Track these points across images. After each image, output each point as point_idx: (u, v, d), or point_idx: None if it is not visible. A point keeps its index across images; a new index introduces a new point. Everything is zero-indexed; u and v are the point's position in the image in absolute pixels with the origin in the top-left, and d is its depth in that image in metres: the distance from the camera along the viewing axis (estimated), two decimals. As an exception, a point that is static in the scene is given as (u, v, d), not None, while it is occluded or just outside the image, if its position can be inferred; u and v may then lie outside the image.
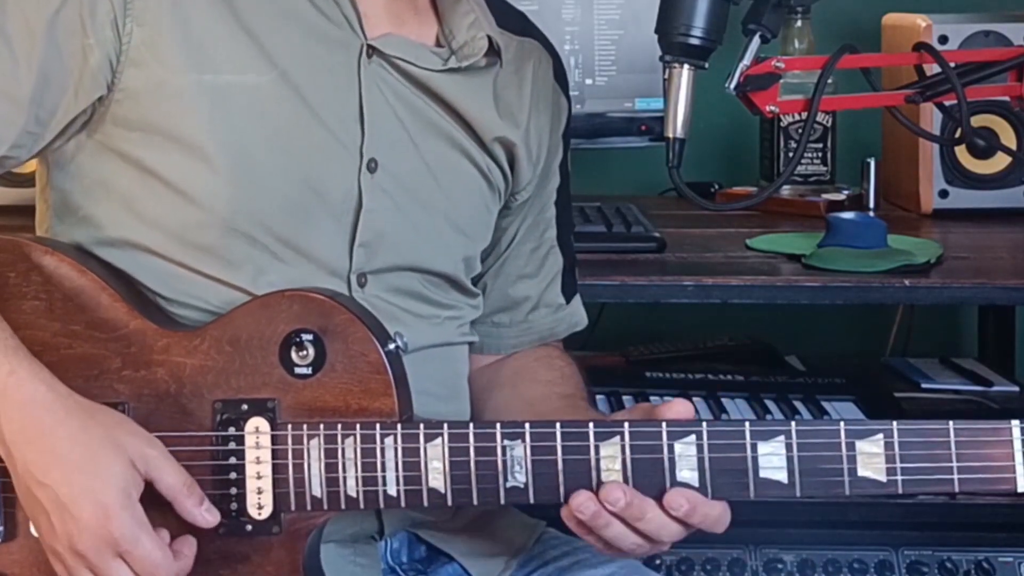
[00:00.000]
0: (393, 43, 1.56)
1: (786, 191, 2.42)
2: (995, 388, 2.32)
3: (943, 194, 2.35)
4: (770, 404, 2.17)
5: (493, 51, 1.62)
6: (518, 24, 1.71)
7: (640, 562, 1.68)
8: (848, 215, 2.17)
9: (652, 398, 2.20)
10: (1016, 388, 2.33)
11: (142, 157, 1.49)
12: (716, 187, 2.52)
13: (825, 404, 2.16)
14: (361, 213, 1.53)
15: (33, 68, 1.45)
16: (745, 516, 2.08)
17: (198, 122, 1.47)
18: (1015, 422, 1.39)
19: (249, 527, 1.43)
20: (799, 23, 2.39)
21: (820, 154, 2.43)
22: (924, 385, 2.33)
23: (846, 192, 2.43)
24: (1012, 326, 2.55)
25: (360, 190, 1.53)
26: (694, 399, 2.19)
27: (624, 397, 2.20)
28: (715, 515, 1.41)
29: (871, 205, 2.41)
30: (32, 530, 1.44)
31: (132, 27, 1.47)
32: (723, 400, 2.19)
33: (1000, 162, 2.33)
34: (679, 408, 1.42)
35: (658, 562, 2.11)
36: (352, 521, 1.53)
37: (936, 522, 2.11)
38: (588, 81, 2.39)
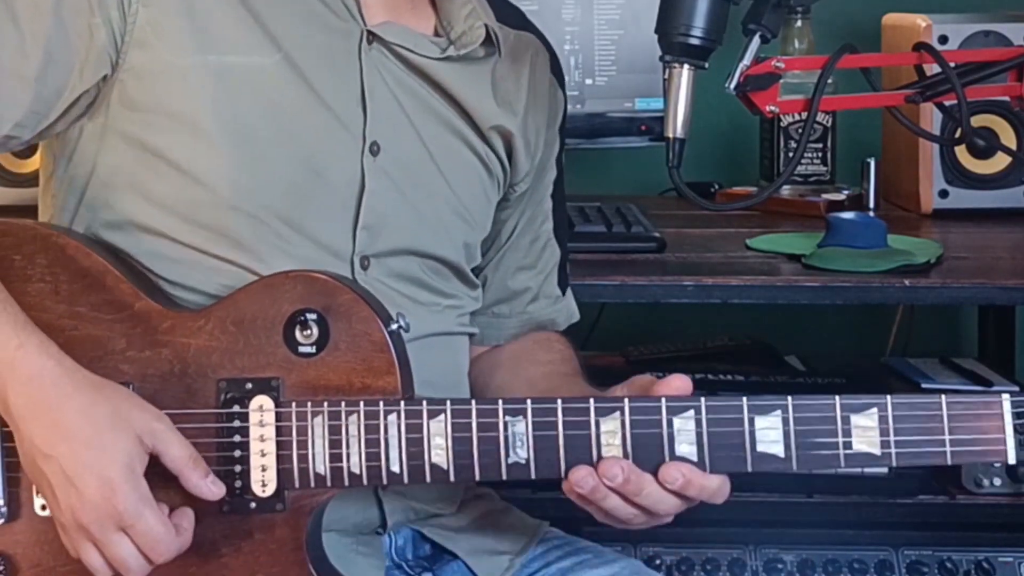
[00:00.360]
0: (392, 30, 1.57)
1: (786, 191, 2.42)
2: (995, 388, 2.32)
3: (943, 194, 2.35)
4: (770, 404, 2.16)
5: (491, 41, 1.63)
6: (515, 19, 1.72)
7: (640, 562, 1.68)
8: (848, 215, 2.18)
9: (652, 397, 2.20)
10: (1016, 388, 2.33)
11: (146, 138, 1.50)
12: (716, 187, 2.52)
13: (825, 404, 2.16)
14: (364, 195, 1.54)
15: (39, 46, 1.46)
16: (745, 516, 2.10)
17: (201, 102, 1.49)
18: (1005, 395, 1.41)
19: (253, 504, 1.44)
20: (799, 23, 2.39)
21: (820, 154, 2.43)
22: (924, 385, 2.33)
23: (846, 192, 2.43)
24: (1012, 326, 2.56)
25: (363, 172, 1.54)
26: (694, 399, 2.19)
27: (624, 397, 2.20)
28: (713, 487, 1.42)
29: (871, 205, 2.41)
30: (36, 510, 1.45)
31: (138, 7, 1.48)
32: (723, 400, 2.18)
33: (1000, 162, 2.33)
34: (677, 384, 1.43)
35: (658, 562, 2.11)
36: (354, 510, 1.54)
37: (936, 522, 2.12)
38: (588, 81, 2.39)
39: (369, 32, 1.56)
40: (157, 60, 1.48)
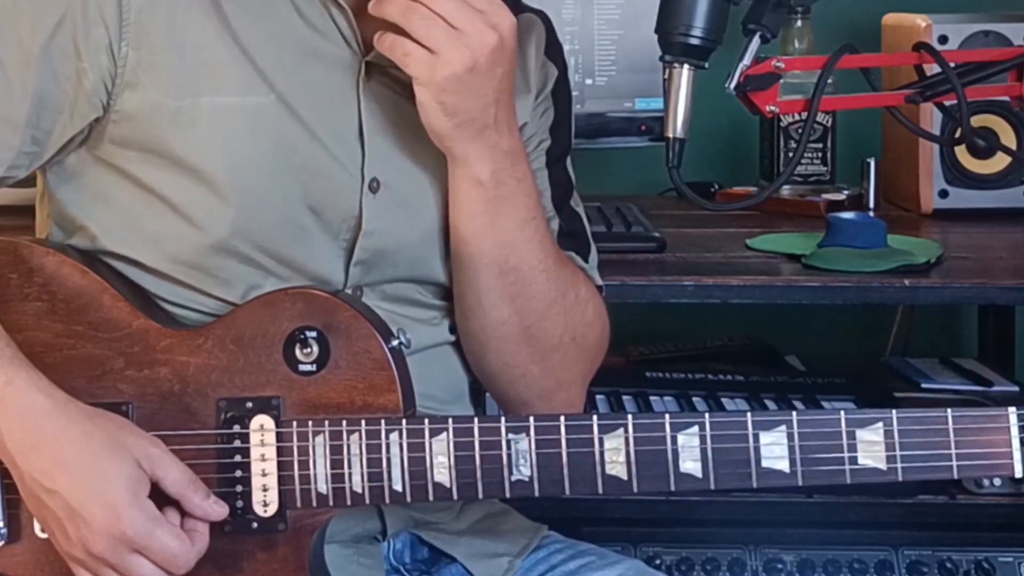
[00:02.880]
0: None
1: (786, 191, 2.42)
2: (995, 388, 2.32)
3: (943, 194, 2.35)
4: (770, 404, 2.17)
5: None
6: (509, 4, 1.68)
7: (642, 563, 1.68)
8: (848, 215, 2.17)
9: (652, 398, 2.20)
10: (1016, 388, 2.33)
11: (141, 175, 1.48)
12: (716, 187, 2.52)
13: (825, 404, 2.16)
14: (360, 233, 1.52)
15: (28, 92, 1.45)
16: (745, 516, 2.10)
17: (195, 144, 1.47)
18: (1012, 409, 1.40)
19: (255, 524, 1.44)
20: (799, 23, 2.39)
21: (820, 154, 2.43)
22: (924, 385, 2.33)
23: (846, 192, 2.43)
24: (1012, 326, 2.56)
25: (361, 210, 1.53)
26: (694, 399, 2.19)
27: (624, 397, 2.21)
28: None
29: (871, 205, 2.41)
30: (37, 532, 1.44)
31: (127, 51, 1.46)
32: (723, 400, 2.19)
33: (1000, 162, 2.33)
34: None
35: (658, 562, 2.11)
36: (355, 522, 1.54)
37: (936, 522, 2.11)
38: (588, 81, 2.39)
39: (367, 63, 1.53)
40: (149, 102, 1.46)
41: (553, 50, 1.70)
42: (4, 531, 1.44)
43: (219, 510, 1.42)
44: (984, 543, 2.11)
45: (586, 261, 1.71)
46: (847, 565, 2.11)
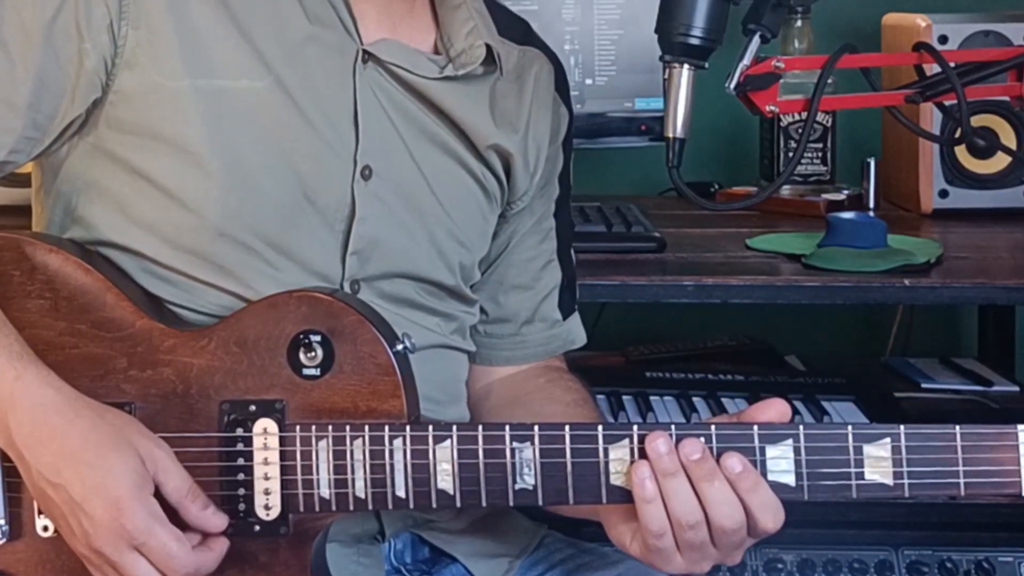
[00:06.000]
0: (389, 49, 1.55)
1: (786, 191, 2.42)
2: (995, 388, 2.32)
3: (943, 194, 2.35)
4: (770, 404, 2.16)
5: (491, 59, 1.61)
6: (520, 33, 1.69)
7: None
8: (848, 215, 2.17)
9: (652, 398, 2.20)
10: (1016, 388, 2.33)
11: (134, 160, 1.48)
12: (716, 187, 2.52)
13: (825, 404, 2.16)
14: (355, 221, 1.53)
15: (31, 74, 1.45)
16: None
17: (191, 126, 1.47)
18: (1021, 427, 1.39)
19: (257, 528, 1.43)
20: (799, 23, 2.39)
21: (820, 154, 2.43)
22: (924, 385, 2.33)
23: (846, 192, 2.43)
24: (1012, 326, 2.56)
25: (353, 198, 1.53)
26: (694, 399, 2.19)
27: (624, 397, 2.20)
28: (767, 496, 1.38)
29: (871, 205, 2.42)
30: (38, 531, 1.44)
31: (127, 30, 1.46)
32: (723, 400, 2.18)
33: (1000, 162, 2.33)
34: (776, 410, 1.40)
35: (658, 563, 2.11)
36: (354, 522, 1.53)
37: (936, 522, 2.11)
38: (588, 81, 2.39)
39: (364, 51, 1.54)
40: (146, 82, 1.47)
41: (564, 92, 1.71)
42: (6, 528, 1.45)
43: (217, 522, 1.41)
44: (984, 543, 2.11)
45: (572, 311, 1.74)
46: (847, 565, 2.11)
